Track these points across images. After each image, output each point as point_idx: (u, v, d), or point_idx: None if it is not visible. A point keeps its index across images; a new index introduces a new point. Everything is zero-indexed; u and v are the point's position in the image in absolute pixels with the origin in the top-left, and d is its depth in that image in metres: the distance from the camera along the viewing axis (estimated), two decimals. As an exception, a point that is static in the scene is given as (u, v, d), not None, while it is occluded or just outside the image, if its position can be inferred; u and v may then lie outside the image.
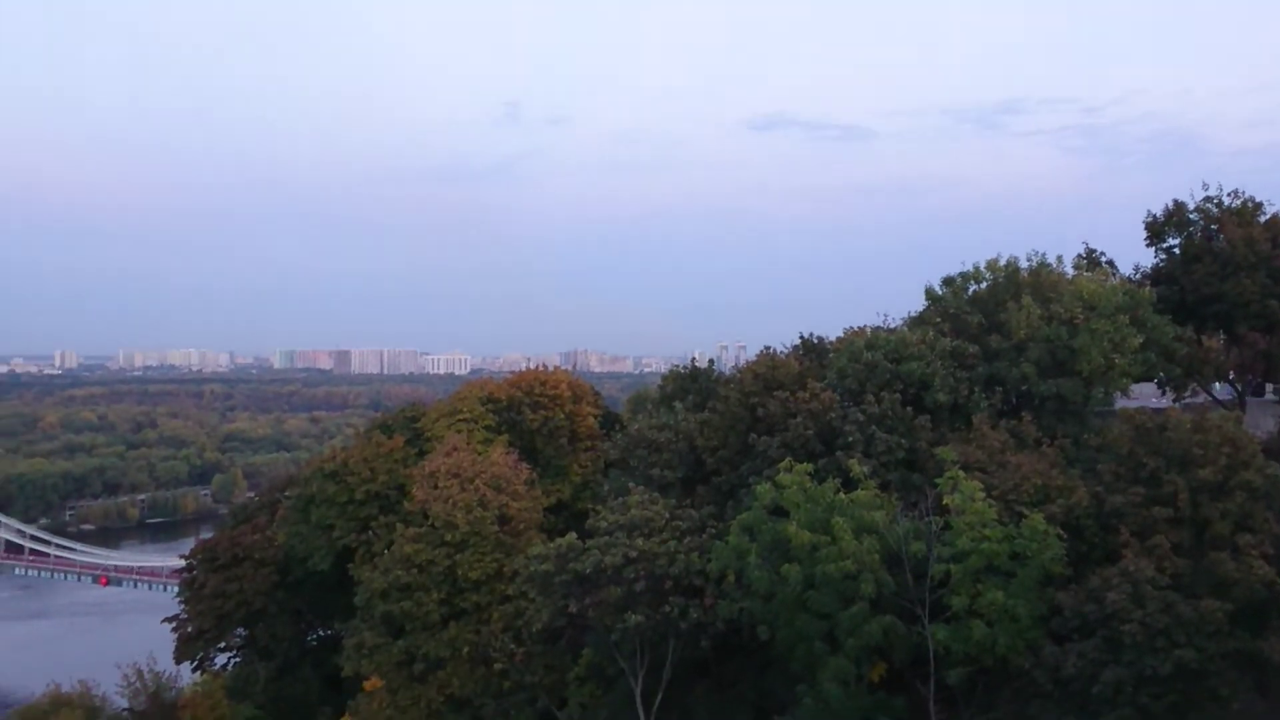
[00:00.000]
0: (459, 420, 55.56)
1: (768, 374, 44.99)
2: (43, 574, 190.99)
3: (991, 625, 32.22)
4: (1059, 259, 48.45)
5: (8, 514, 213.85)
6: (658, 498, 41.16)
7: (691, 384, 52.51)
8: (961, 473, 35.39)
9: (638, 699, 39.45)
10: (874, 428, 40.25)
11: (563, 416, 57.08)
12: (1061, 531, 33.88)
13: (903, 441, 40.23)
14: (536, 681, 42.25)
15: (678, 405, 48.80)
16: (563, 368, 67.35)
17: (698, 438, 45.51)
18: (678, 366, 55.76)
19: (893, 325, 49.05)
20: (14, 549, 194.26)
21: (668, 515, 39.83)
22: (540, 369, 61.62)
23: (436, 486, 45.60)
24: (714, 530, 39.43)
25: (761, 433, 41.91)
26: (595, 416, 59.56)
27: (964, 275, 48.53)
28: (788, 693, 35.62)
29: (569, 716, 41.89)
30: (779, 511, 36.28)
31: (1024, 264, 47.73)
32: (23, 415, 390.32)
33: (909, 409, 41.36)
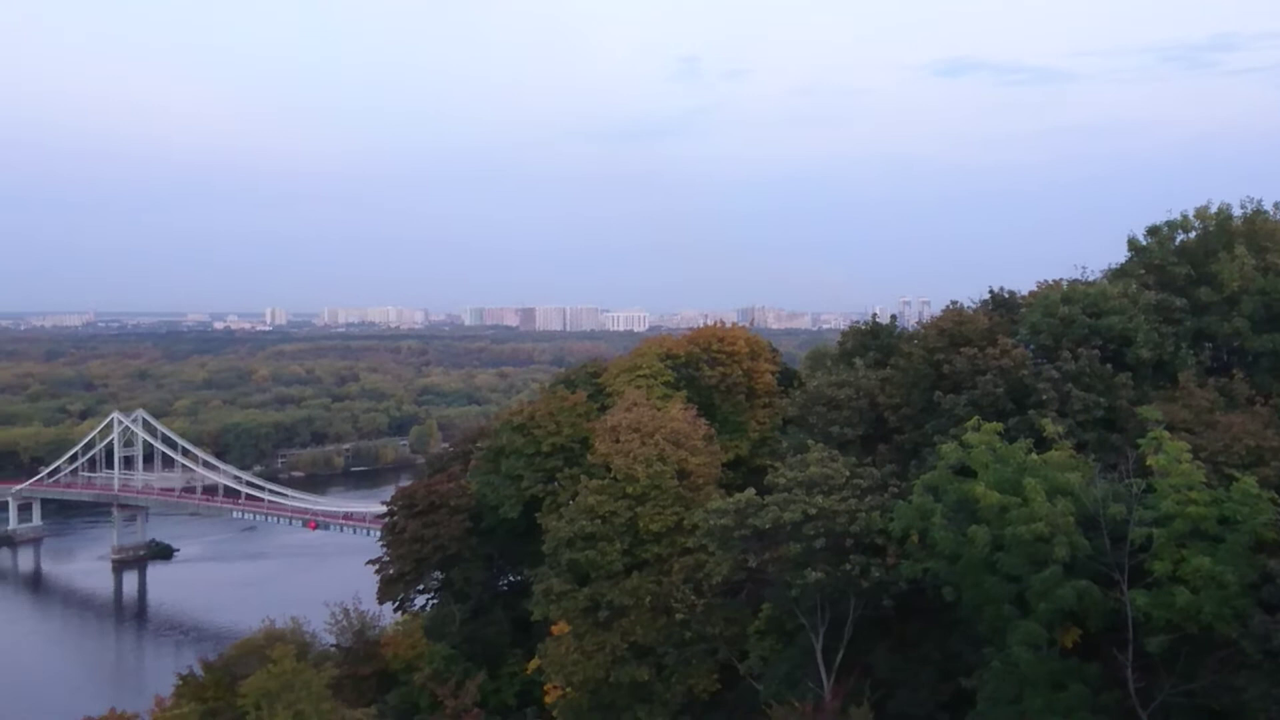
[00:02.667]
0: (638, 376, 56.37)
1: (954, 329, 43.62)
2: (257, 518, 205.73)
3: (1196, 592, 30.46)
4: (1276, 206, 44.73)
5: (225, 461, 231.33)
6: (837, 455, 40.70)
7: (872, 340, 51.47)
8: (1166, 433, 33.50)
9: (818, 655, 39.41)
10: (1070, 385, 38.50)
11: (740, 373, 57.04)
12: (1276, 495, 31.66)
13: (1101, 400, 38.35)
14: (717, 633, 42.79)
15: (858, 362, 47.99)
16: (740, 324, 67.15)
17: (879, 395, 44.69)
18: (858, 323, 54.75)
19: (1091, 278, 46.64)
20: (231, 494, 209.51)
21: (848, 473, 39.35)
22: (718, 325, 61.67)
23: (618, 440, 46.53)
24: (896, 489, 38.76)
25: (947, 390, 40.77)
26: (773, 373, 59.24)
27: (1170, 224, 45.55)
28: (974, 655, 34.82)
29: (749, 669, 42.26)
30: (965, 471, 35.26)
31: (1237, 211, 44.40)
32: (238, 369, 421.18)
33: (1108, 366, 39.36)
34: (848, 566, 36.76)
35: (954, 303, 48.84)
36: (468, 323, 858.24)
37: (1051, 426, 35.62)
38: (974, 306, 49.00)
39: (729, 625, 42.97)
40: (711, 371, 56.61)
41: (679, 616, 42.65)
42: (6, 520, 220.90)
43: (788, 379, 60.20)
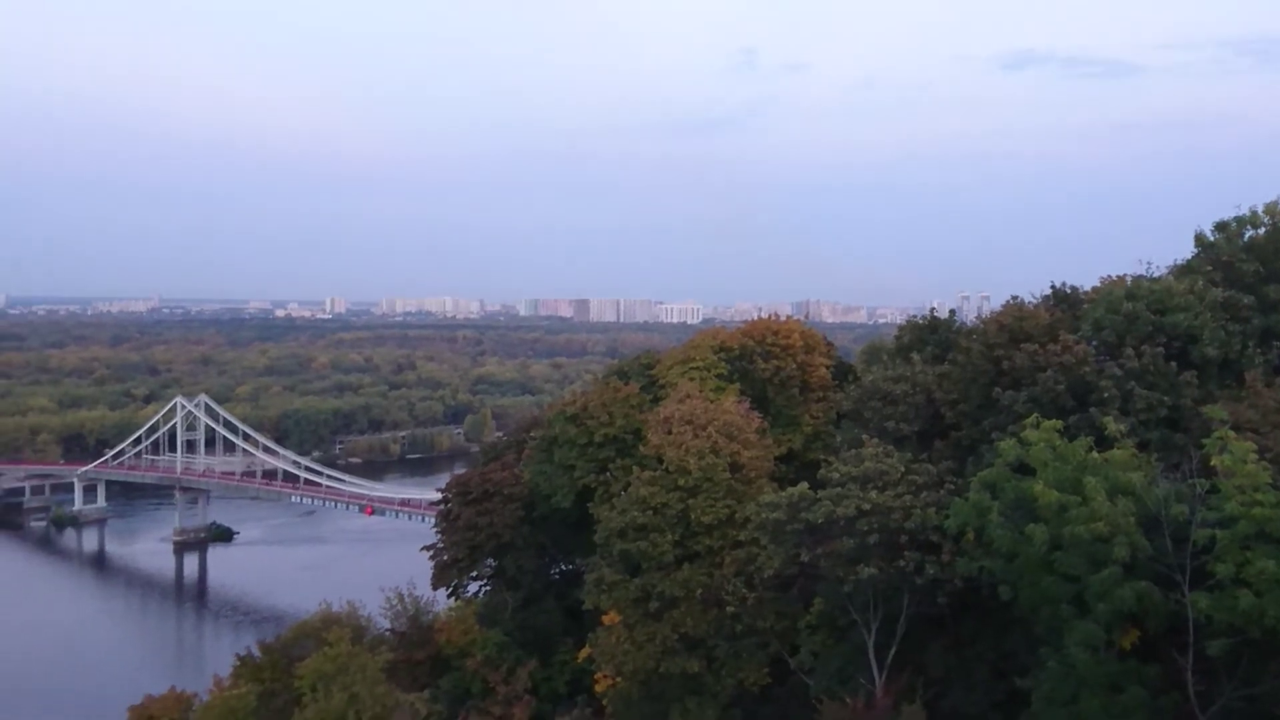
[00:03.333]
0: (692, 368, 56.36)
1: (1014, 325, 42.99)
2: (315, 502, 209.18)
3: (1260, 595, 29.72)
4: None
5: (285, 447, 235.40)
6: (892, 451, 40.37)
7: (930, 335, 50.93)
8: (1231, 433, 32.72)
9: (870, 651, 39.19)
10: (1133, 383, 37.77)
11: (794, 366, 56.77)
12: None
13: (1165, 399, 37.58)
14: (768, 627, 42.70)
15: (915, 357, 47.51)
16: (795, 317, 66.80)
17: (936, 390, 44.22)
18: (915, 317, 54.16)
19: (1156, 274, 45.66)
20: (290, 479, 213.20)
21: (903, 469, 39.01)
22: (772, 318, 61.42)
23: (670, 432, 46.57)
24: (952, 486, 38.35)
25: (1006, 387, 40.23)
26: (827, 367, 58.89)
27: (1239, 220, 44.46)
28: (1030, 655, 34.38)
29: (800, 663, 42.15)
30: (1023, 469, 34.77)
31: (1310, 207, 43.07)
32: (298, 356, 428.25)
33: (1173, 364, 38.54)
34: (902, 563, 36.46)
35: (1014, 298, 48.18)
36: (523, 313, 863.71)
37: (1114, 425, 34.96)
38: (1035, 302, 48.28)
39: (780, 619, 42.86)
40: (765, 365, 56.40)
41: (730, 609, 42.61)
42: (73, 501, 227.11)
43: (842, 373, 59.79)
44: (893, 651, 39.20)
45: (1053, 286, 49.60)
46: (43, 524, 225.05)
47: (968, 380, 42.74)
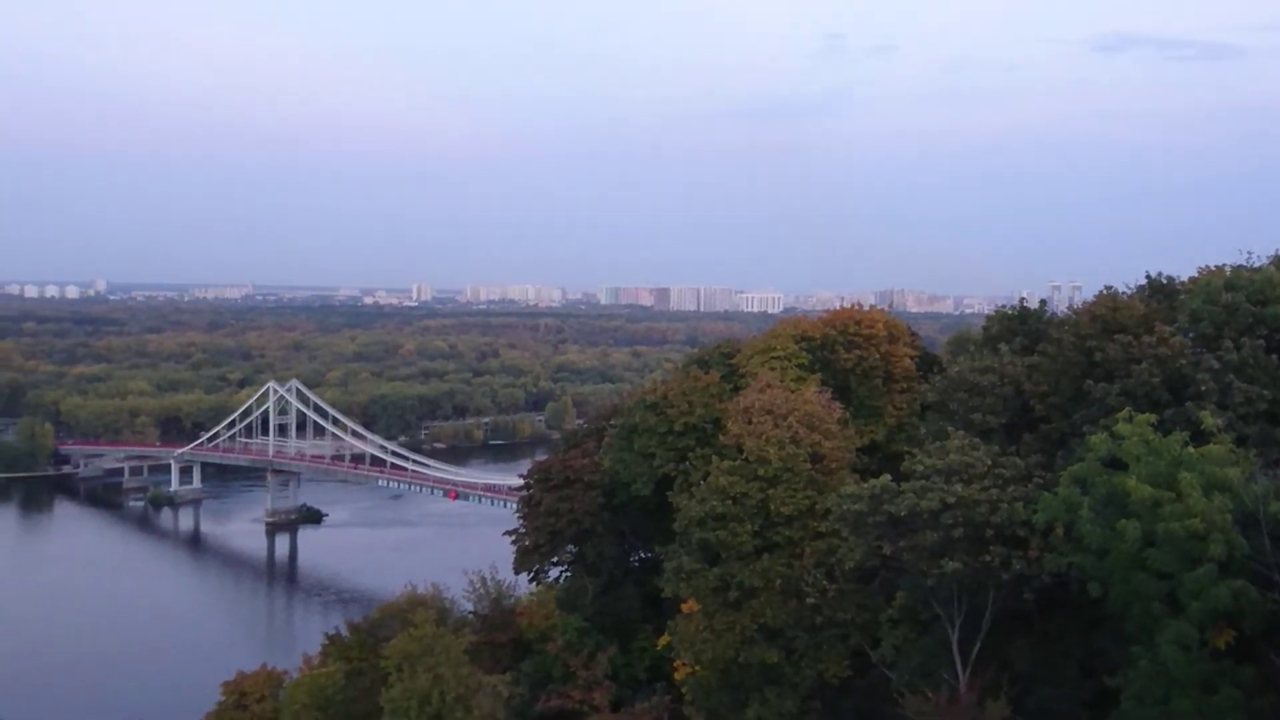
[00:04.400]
0: (772, 357, 55.92)
1: (1108, 316, 41.82)
2: (401, 486, 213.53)
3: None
4: None
5: (372, 431, 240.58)
6: (978, 443, 39.61)
7: (1019, 325, 49.79)
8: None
9: (954, 646, 38.61)
10: (1231, 377, 36.49)
11: (877, 356, 55.99)
12: None
13: (1264, 393, 36.24)
14: (849, 619, 42.33)
15: (1003, 347, 46.52)
16: (878, 307, 65.88)
17: (1025, 382, 43.27)
18: (1004, 307, 53.00)
19: (1257, 264, 43.96)
20: (377, 463, 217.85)
21: (989, 462, 38.25)
22: (855, 308, 60.64)
23: (750, 422, 46.34)
24: (1040, 480, 37.50)
25: (1099, 379, 39.18)
26: (912, 357, 57.95)
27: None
28: (1120, 653, 33.54)
29: (882, 656, 41.72)
30: (1115, 464, 33.86)
31: None
32: (385, 343, 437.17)
33: (1273, 357, 37.12)
34: (987, 558, 35.80)
35: (1108, 288, 46.80)
36: (603, 302, 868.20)
37: (1211, 419, 33.85)
38: (1130, 292, 46.88)
39: (861, 611, 42.45)
40: (848, 354, 55.74)
41: (810, 600, 42.31)
42: (169, 482, 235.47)
43: (927, 364, 58.79)
44: (977, 647, 38.56)
45: (1148, 276, 48.12)
46: (141, 504, 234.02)
47: (1058, 372, 41.76)
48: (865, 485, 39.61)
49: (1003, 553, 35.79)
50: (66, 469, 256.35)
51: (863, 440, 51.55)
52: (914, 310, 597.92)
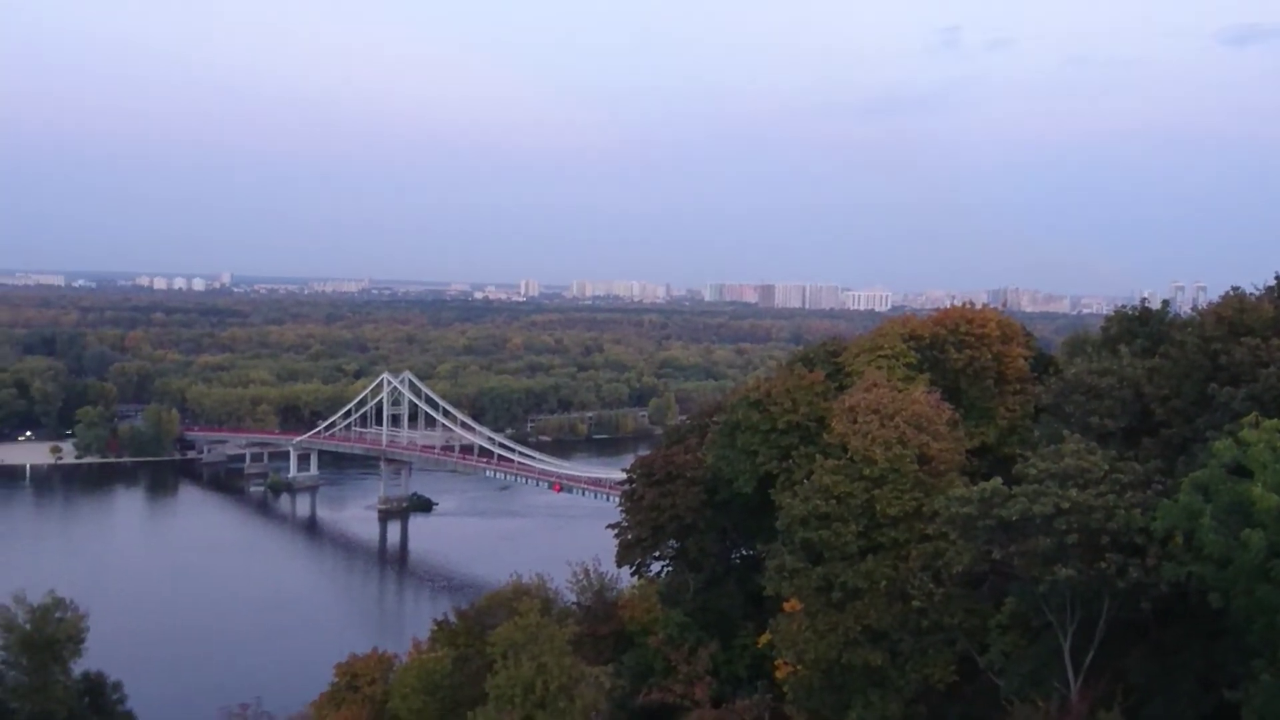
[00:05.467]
0: (879, 356, 55.19)
1: (1234, 317, 40.18)
2: (507, 477, 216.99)
3: None
4: None
5: (481, 423, 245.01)
6: (1095, 447, 38.46)
7: (1140, 327, 48.18)
8: None
9: (1066, 655, 37.61)
10: (1369, 382, 34.66)
11: (990, 357, 54.78)
12: None
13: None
14: (956, 624, 41.59)
15: (1123, 349, 45.08)
16: (991, 306, 64.37)
17: (1145, 385, 41.85)
18: (1124, 307, 51.31)
19: (1403, 263, 41.58)
20: (485, 454, 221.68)
21: (1106, 467, 37.10)
22: (966, 306, 59.41)
23: (855, 421, 45.85)
24: (1160, 486, 36.25)
25: (1224, 383, 37.71)
26: (1026, 358, 56.54)
27: None
28: (1241, 666, 32.21)
29: (990, 663, 40.89)
30: (1239, 471, 32.50)
31: None
32: (494, 337, 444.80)
33: None
34: (1102, 565, 34.76)
35: (1235, 288, 44.91)
36: (708, 298, 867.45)
37: (1345, 427, 32.23)
38: (1258, 294, 44.90)
39: (969, 617, 41.66)
40: (958, 354, 54.67)
41: (916, 604, 41.72)
42: (288, 468, 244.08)
43: (1042, 365, 57.29)
44: (1090, 656, 37.50)
45: (1277, 277, 45.99)
46: (261, 489, 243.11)
47: (1181, 375, 40.31)
48: (975, 488, 38.83)
49: (1119, 560, 34.72)
50: (191, 454, 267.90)
51: (973, 442, 50.54)
52: (1028, 310, 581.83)
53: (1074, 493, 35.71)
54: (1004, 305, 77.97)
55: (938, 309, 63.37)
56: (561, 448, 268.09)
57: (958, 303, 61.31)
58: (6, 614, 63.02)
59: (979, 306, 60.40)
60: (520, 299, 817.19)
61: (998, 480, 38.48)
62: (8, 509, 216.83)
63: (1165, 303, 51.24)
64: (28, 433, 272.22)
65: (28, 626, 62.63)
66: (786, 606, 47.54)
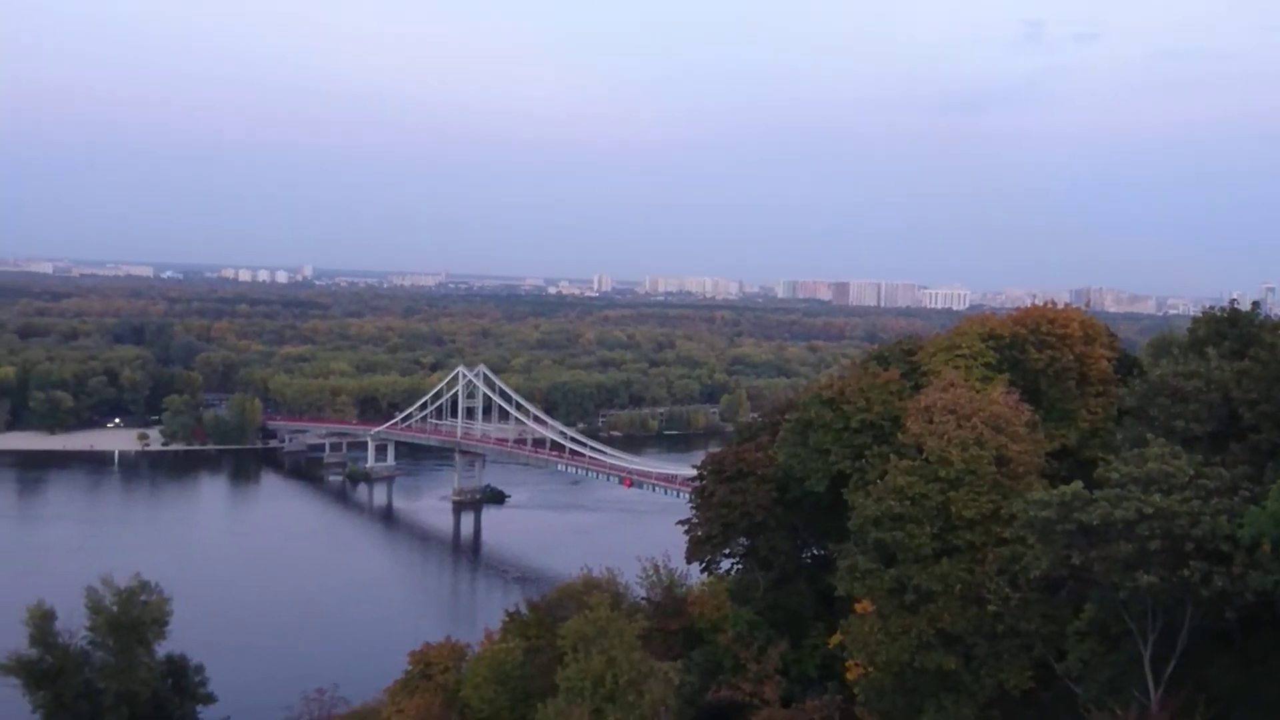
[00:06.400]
0: (957, 355, 54.35)
1: (1330, 320, 38.69)
2: (579, 471, 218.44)
3: None
4: None
5: (553, 417, 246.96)
6: (1180, 452, 37.42)
7: (1229, 328, 46.63)
8: None
9: (1146, 663, 36.70)
10: None
11: (1071, 357, 53.60)
12: None
13: None
14: (1033, 629, 40.85)
15: (1211, 351, 43.74)
16: (1073, 306, 62.96)
17: (1234, 389, 40.54)
18: (1212, 308, 49.72)
19: None
20: (557, 448, 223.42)
21: (1191, 472, 36.08)
22: (1048, 306, 58.22)
23: (931, 421, 45.25)
24: (1247, 493, 35.14)
25: (1317, 387, 36.37)
26: (1109, 359, 55.21)
27: None
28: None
29: (1068, 670, 40.09)
30: (1334, 478, 31.43)
31: None
32: (567, 331, 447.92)
33: None
34: (1186, 572, 33.84)
35: (1332, 289, 43.32)
36: (780, 295, 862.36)
37: None
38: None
39: (1046, 622, 40.88)
40: (1039, 355, 53.59)
41: (991, 608, 41.05)
42: (366, 458, 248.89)
43: (1126, 366, 55.89)
44: (1171, 665, 36.54)
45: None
46: (339, 478, 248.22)
47: (1271, 379, 38.98)
48: (1055, 491, 38.08)
49: (1203, 568, 33.77)
50: (273, 443, 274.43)
51: (1053, 445, 49.54)
52: (1112, 310, 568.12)
53: (1157, 498, 34.84)
54: (1087, 305, 76.09)
55: (1018, 308, 62.18)
56: (632, 443, 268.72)
57: (1039, 302, 60.16)
58: (95, 596, 65.09)
59: (1061, 306, 59.16)
60: (593, 294, 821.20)
61: (1078, 484, 37.71)
62: (97, 494, 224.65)
63: (1255, 304, 49.43)
64: (117, 420, 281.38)
65: (115, 609, 64.65)
66: (858, 607, 47.15)
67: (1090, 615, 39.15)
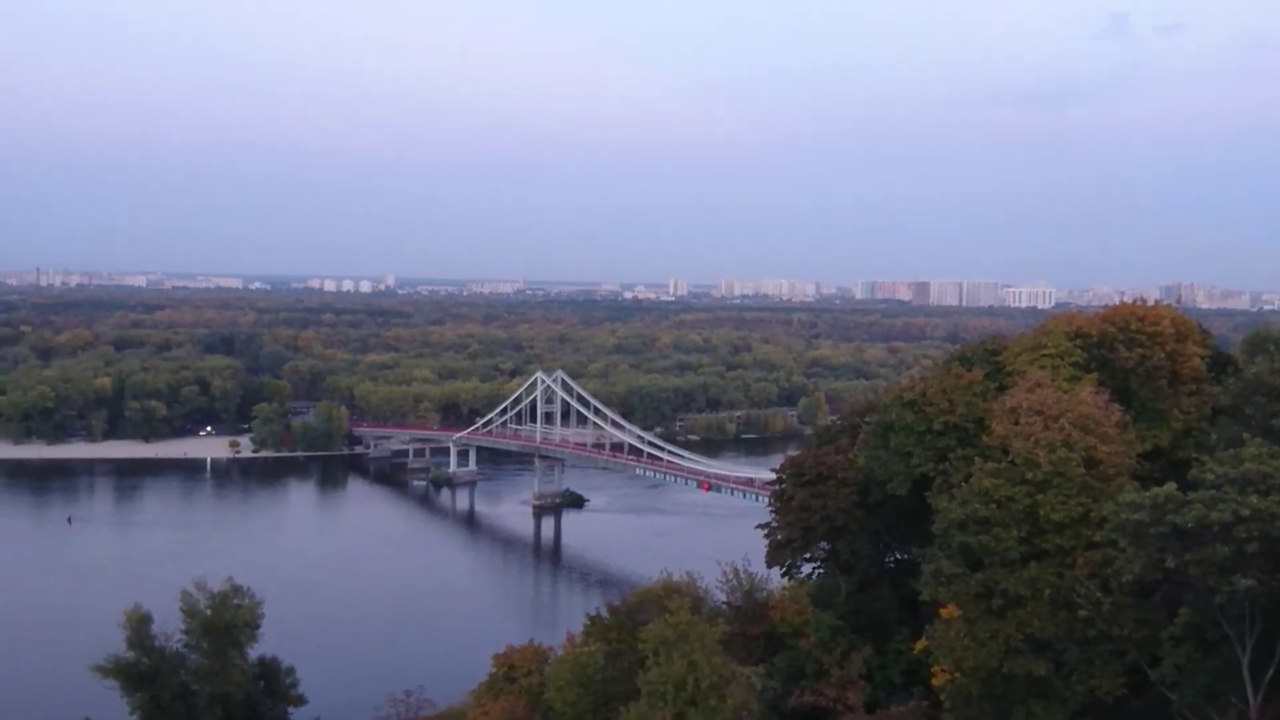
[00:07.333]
0: (1043, 355, 53.24)
1: None
2: (657, 475, 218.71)
3: None
4: None
5: (630, 421, 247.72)
6: (1277, 451, 36.18)
7: (1331, 323, 44.96)
8: None
9: (1244, 669, 35.52)
10: None
11: (1163, 356, 52.13)
12: None
13: None
14: (1125, 634, 39.77)
15: (1310, 347, 42.25)
16: (1164, 302, 61.24)
17: (1337, 386, 39.09)
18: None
19: None
20: (635, 452, 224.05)
21: (1291, 472, 34.86)
22: (1137, 303, 56.74)
23: (1017, 423, 44.40)
24: (1352, 494, 33.82)
25: None
26: (1202, 357, 53.56)
27: None
28: None
29: (1161, 676, 38.97)
30: None
31: None
32: (643, 336, 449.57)
33: None
34: (1286, 577, 32.72)
35: None
36: (859, 296, 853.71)
37: None
38: None
39: (1140, 627, 39.77)
40: (1129, 353, 52.23)
41: (1082, 613, 40.07)
42: (448, 464, 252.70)
43: (1219, 365, 54.14)
44: (1271, 671, 35.33)
45: None
46: (423, 483, 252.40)
47: (1378, 375, 37.48)
48: (1147, 493, 37.10)
49: (1305, 572, 32.59)
50: (359, 449, 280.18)
51: (1144, 446, 48.21)
52: (1204, 306, 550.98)
53: (1254, 499, 33.76)
54: (1178, 301, 74.20)
55: (1106, 306, 60.69)
56: (709, 447, 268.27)
57: (1127, 299, 58.70)
58: (189, 599, 66.82)
59: (1151, 303, 57.62)
60: (669, 298, 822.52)
61: (1172, 485, 36.72)
62: (190, 500, 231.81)
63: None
64: (209, 428, 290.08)
65: (208, 612, 66.32)
66: (943, 612, 46.42)
67: (1185, 620, 38.01)
